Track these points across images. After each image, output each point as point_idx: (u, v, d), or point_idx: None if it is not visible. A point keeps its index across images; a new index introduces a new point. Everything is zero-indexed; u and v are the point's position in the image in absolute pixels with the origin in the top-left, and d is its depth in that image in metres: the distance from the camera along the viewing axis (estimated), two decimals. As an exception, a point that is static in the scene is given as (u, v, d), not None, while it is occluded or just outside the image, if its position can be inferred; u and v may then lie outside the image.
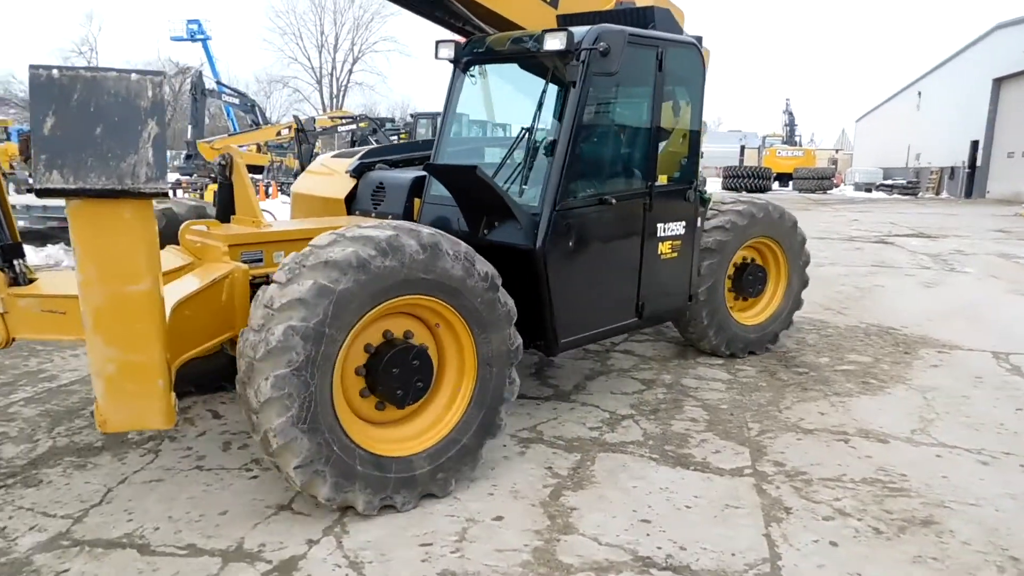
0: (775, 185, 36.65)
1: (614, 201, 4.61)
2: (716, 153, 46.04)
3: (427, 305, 3.57)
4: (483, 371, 3.75)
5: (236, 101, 29.52)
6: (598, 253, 4.69)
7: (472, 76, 5.11)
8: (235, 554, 3.15)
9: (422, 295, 3.47)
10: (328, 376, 3.22)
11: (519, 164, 4.58)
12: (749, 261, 6.23)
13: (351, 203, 5.42)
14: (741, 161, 43.14)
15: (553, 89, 4.60)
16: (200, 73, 29.28)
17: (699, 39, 5.33)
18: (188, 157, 25.42)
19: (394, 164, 5.64)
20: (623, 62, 4.29)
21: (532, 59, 4.71)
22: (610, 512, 3.59)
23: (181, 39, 44.94)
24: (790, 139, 45.32)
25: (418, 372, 3.58)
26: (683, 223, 5.24)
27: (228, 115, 36.64)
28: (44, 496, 3.64)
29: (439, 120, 5.35)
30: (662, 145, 5.11)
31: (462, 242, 3.61)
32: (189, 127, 27.08)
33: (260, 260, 4.09)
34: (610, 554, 3.23)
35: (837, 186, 38.48)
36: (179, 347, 3.40)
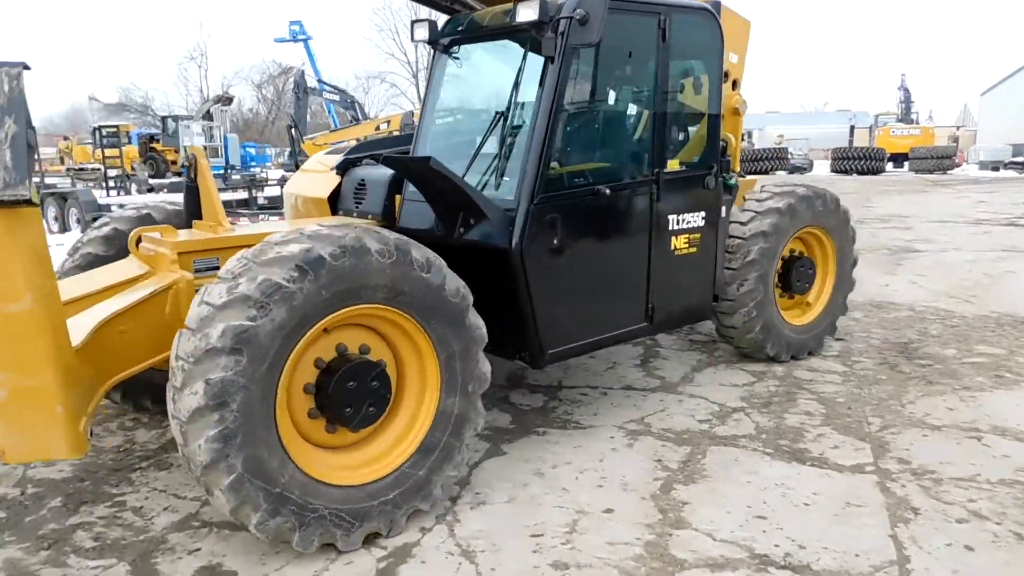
0: (889, 166, 34.71)
1: (608, 191, 4.08)
2: (824, 134, 44.02)
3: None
4: (396, 299, 3.14)
5: (336, 98, 30.41)
6: (591, 251, 4.18)
7: (457, 58, 4.60)
8: (352, 539, 3.24)
9: (335, 314, 2.98)
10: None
11: (496, 153, 4.09)
12: (796, 254, 5.61)
13: (337, 202, 4.92)
14: (851, 142, 41.11)
15: (534, 67, 4.03)
16: (302, 72, 30.26)
17: (716, 5, 4.83)
18: (292, 154, 26.43)
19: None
20: (615, 31, 3.89)
21: (512, 34, 4.22)
22: (723, 507, 3.49)
23: (284, 40, 46.73)
24: (906, 117, 42.82)
25: (372, 383, 3.19)
26: (702, 214, 4.66)
27: (329, 112, 37.86)
28: (174, 479, 3.85)
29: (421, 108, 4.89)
30: (672, 127, 4.62)
31: (317, 243, 2.93)
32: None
33: (216, 268, 3.63)
34: (725, 550, 3.14)
35: (959, 166, 36.08)
36: (112, 366, 3.22)
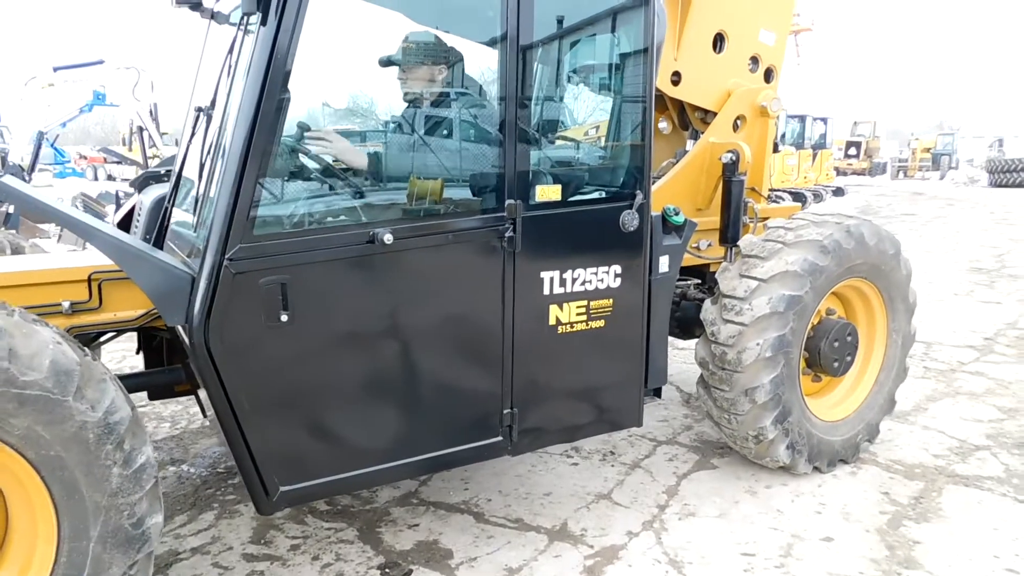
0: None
1: (389, 239, 2.52)
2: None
3: None
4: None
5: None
6: (368, 333, 2.67)
7: (242, 30, 2.68)
8: (559, 534, 3.30)
9: None
10: None
11: (200, 174, 2.73)
12: (831, 317, 3.91)
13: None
14: None
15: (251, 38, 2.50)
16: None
17: None
18: None
19: None
20: None
21: None
22: (964, 554, 3.15)
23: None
24: None
25: None
26: (616, 268, 3.08)
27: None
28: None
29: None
30: (546, 132, 3.30)
31: None
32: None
33: None
34: (966, 601, 2.83)
35: None
36: None
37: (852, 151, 33.57)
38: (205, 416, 3.60)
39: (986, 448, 4.20)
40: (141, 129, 14.03)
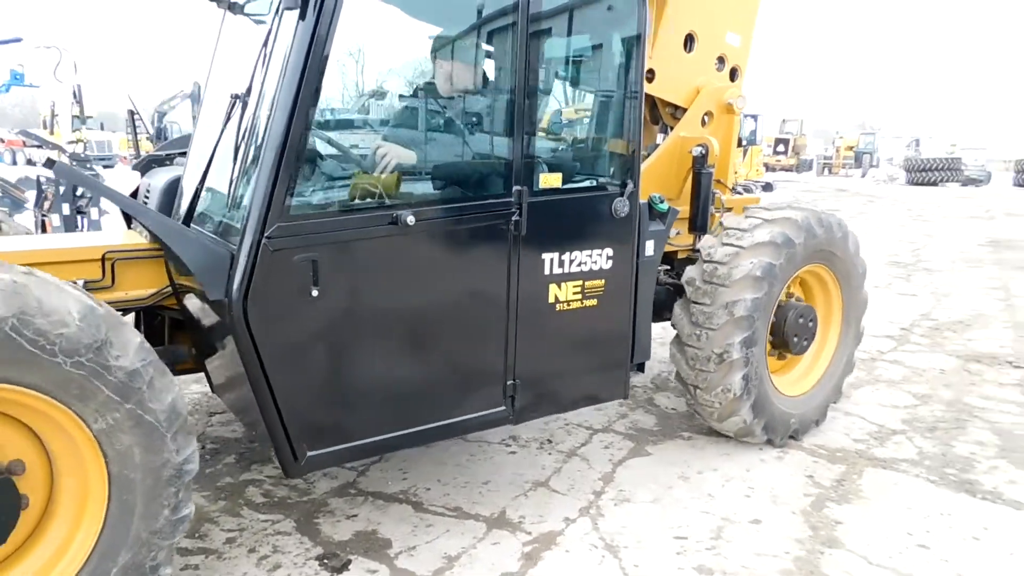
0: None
1: (411, 220, 2.73)
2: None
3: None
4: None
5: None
6: (386, 307, 2.85)
7: (255, 20, 3.05)
8: (497, 522, 3.34)
9: None
10: None
11: (237, 159, 2.84)
12: (792, 300, 4.24)
13: None
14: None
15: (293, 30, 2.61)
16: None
17: None
18: None
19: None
20: None
21: None
22: (880, 532, 3.32)
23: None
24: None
25: None
26: (607, 251, 3.34)
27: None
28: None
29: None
30: (547, 123, 3.47)
31: None
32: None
33: None
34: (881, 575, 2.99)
35: None
36: None
37: (780, 148, 34.63)
38: (213, 391, 3.64)
39: (902, 432, 4.43)
40: (132, 113, 13.20)
